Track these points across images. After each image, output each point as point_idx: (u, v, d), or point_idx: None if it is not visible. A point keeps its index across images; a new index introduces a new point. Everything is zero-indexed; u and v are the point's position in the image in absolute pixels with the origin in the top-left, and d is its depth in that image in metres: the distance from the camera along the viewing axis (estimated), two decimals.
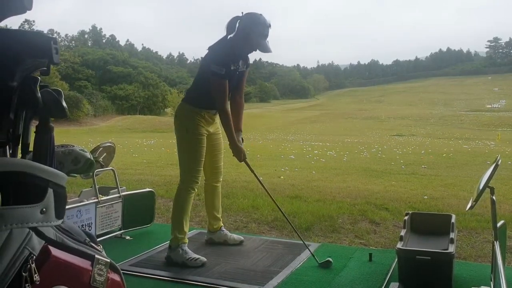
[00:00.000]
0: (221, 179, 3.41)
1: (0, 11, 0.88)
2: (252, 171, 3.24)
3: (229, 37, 3.05)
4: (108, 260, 0.98)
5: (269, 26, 3.02)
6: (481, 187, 2.12)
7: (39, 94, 0.94)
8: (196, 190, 3.10)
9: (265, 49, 3.01)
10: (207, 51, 3.08)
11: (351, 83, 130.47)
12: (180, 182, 3.09)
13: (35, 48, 0.89)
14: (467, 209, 2.28)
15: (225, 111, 3.03)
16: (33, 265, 0.84)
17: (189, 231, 3.21)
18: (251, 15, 3.01)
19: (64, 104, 1.01)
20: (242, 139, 3.23)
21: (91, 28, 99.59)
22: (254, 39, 2.98)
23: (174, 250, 3.00)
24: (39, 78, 0.96)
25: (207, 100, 3.04)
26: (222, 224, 3.48)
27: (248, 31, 2.97)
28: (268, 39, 3.04)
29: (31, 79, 0.93)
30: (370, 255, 3.10)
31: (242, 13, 3.04)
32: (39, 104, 0.94)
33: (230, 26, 3.04)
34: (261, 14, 3.02)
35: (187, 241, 3.07)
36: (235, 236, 3.47)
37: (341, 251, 3.29)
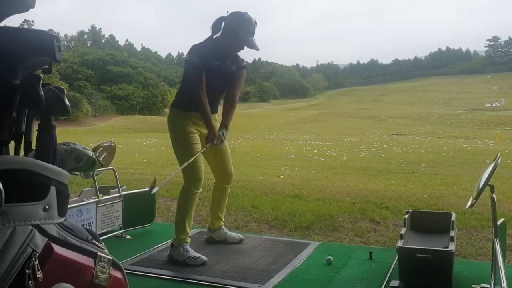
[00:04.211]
0: (231, 181, 3.40)
1: (2, 9, 0.88)
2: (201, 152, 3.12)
3: (214, 36, 3.07)
4: (111, 258, 0.99)
5: (255, 23, 3.04)
6: (481, 186, 2.12)
7: (42, 92, 0.94)
8: (199, 189, 3.08)
9: (252, 46, 3.03)
10: None
11: (350, 83, 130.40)
12: (183, 183, 3.10)
13: (38, 46, 0.89)
14: (467, 207, 2.28)
15: (199, 99, 2.97)
16: (36, 262, 0.84)
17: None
18: (236, 13, 3.04)
19: (66, 102, 1.01)
20: (223, 133, 3.13)
21: (90, 28, 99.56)
22: (240, 36, 2.99)
23: (176, 249, 3.02)
24: (42, 76, 0.96)
25: (190, 101, 3.04)
26: (222, 223, 3.49)
27: (235, 28, 2.99)
28: (255, 37, 3.06)
29: (33, 77, 0.93)
30: (370, 253, 3.10)
31: (227, 12, 3.06)
32: (42, 102, 0.94)
33: (215, 26, 3.07)
34: (246, 12, 3.04)
35: (189, 240, 3.08)
36: (235, 235, 3.48)
37: (341, 250, 3.29)
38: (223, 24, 3.04)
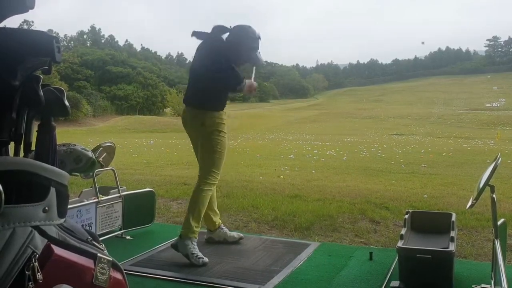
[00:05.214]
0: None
1: (1, 10, 0.88)
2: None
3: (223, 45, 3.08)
4: (111, 259, 0.98)
5: (259, 37, 3.08)
6: (481, 186, 2.13)
7: (42, 93, 0.94)
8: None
9: (256, 61, 3.12)
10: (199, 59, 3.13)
11: (350, 83, 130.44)
12: (201, 180, 3.10)
13: (37, 47, 0.89)
14: (467, 207, 2.28)
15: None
16: (36, 264, 0.84)
17: None
18: (239, 28, 3.07)
19: (66, 102, 1.01)
20: None
21: (90, 29, 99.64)
22: (244, 52, 3.04)
23: (183, 241, 3.00)
24: (41, 77, 0.96)
25: (218, 101, 3.10)
26: (220, 221, 3.48)
27: (238, 44, 3.03)
28: (259, 50, 3.11)
29: (33, 78, 0.93)
30: (371, 254, 3.10)
31: (230, 27, 3.08)
32: (42, 102, 0.94)
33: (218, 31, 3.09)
34: (250, 26, 3.07)
35: (197, 236, 3.07)
36: (235, 234, 3.48)
37: (342, 250, 3.29)
38: (226, 36, 3.08)
